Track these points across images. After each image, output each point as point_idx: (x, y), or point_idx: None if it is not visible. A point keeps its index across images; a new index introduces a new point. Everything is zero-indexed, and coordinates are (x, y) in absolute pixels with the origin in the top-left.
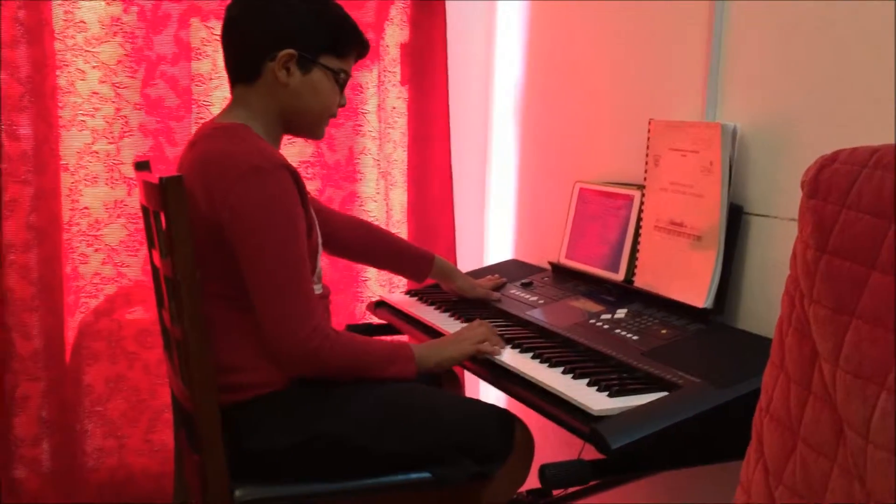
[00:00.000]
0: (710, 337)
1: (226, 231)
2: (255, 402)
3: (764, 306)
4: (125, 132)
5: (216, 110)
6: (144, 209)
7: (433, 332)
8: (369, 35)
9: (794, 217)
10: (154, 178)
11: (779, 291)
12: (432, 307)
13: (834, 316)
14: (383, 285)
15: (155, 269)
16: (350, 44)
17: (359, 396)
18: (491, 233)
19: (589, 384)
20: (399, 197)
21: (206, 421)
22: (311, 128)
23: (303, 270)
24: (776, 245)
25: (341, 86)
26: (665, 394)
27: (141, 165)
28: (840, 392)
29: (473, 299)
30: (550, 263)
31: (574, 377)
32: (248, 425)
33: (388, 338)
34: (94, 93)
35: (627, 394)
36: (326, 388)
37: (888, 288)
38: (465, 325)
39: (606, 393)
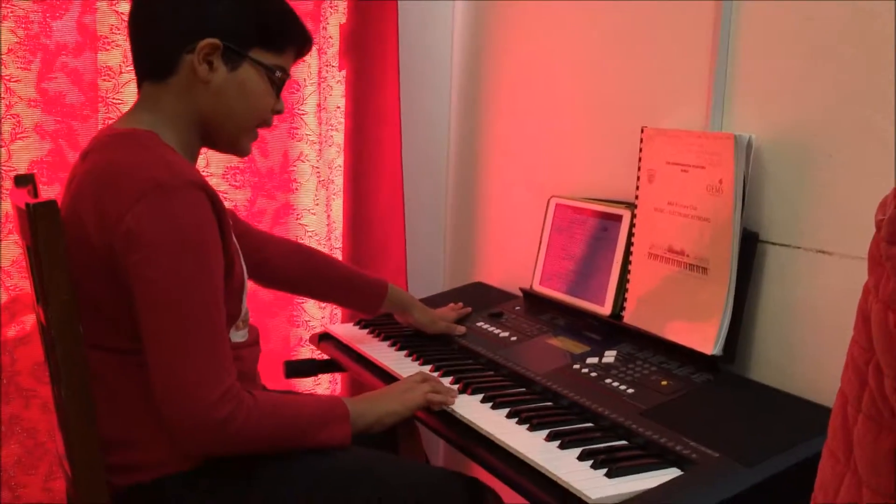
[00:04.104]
0: (721, 392)
1: (119, 263)
2: (160, 485)
3: (783, 354)
4: (18, 133)
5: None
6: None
7: (385, 375)
8: (308, 25)
9: (822, 248)
10: (24, 201)
11: (802, 336)
12: (385, 343)
13: None
14: (323, 308)
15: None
16: (288, 36)
17: (288, 473)
18: (450, 251)
19: (581, 457)
20: (342, 208)
21: None
22: (234, 138)
23: (214, 317)
24: (800, 281)
25: (277, 87)
26: (677, 472)
27: (22, 180)
28: None
29: (434, 334)
30: (522, 290)
31: (561, 446)
32: None
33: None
34: None
35: (630, 472)
36: (248, 463)
37: None
38: (421, 368)
39: (604, 471)
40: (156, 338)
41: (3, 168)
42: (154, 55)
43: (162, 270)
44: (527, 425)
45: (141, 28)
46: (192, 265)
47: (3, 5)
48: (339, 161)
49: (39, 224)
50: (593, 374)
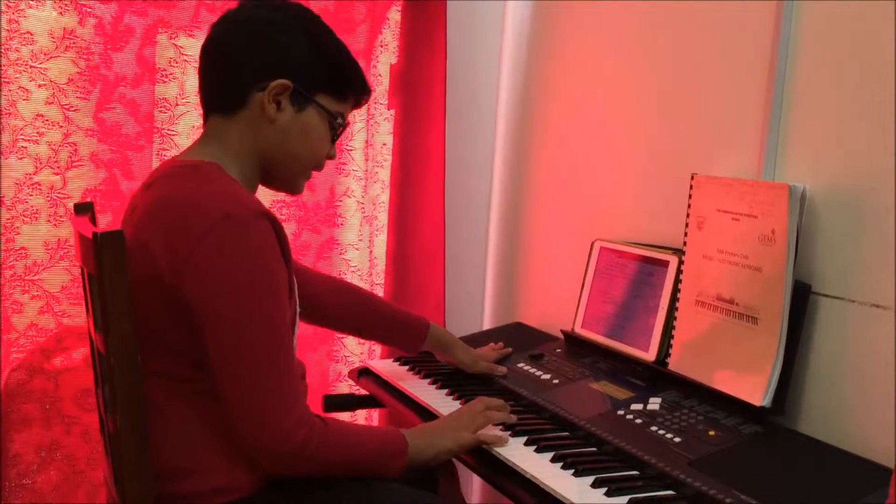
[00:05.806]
0: (771, 445)
1: (189, 295)
2: None
3: (834, 409)
4: (73, 162)
5: (182, 141)
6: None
7: (426, 413)
8: (359, 63)
9: (876, 302)
10: (88, 229)
11: (854, 391)
12: (426, 381)
13: None
14: (362, 343)
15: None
16: (353, 85)
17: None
18: (491, 290)
19: None
20: (385, 244)
21: None
22: (291, 177)
23: (286, 346)
24: (853, 334)
25: (335, 133)
26: None
27: (82, 208)
28: None
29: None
30: (563, 332)
31: (608, 493)
32: None
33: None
34: (38, 115)
35: None
36: (300, 493)
37: None
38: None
39: None
40: (229, 369)
41: (58, 195)
42: (225, 89)
43: (234, 302)
44: (572, 470)
45: (215, 61)
46: (263, 295)
47: (66, 36)
48: (384, 197)
49: (105, 253)
50: (638, 421)
